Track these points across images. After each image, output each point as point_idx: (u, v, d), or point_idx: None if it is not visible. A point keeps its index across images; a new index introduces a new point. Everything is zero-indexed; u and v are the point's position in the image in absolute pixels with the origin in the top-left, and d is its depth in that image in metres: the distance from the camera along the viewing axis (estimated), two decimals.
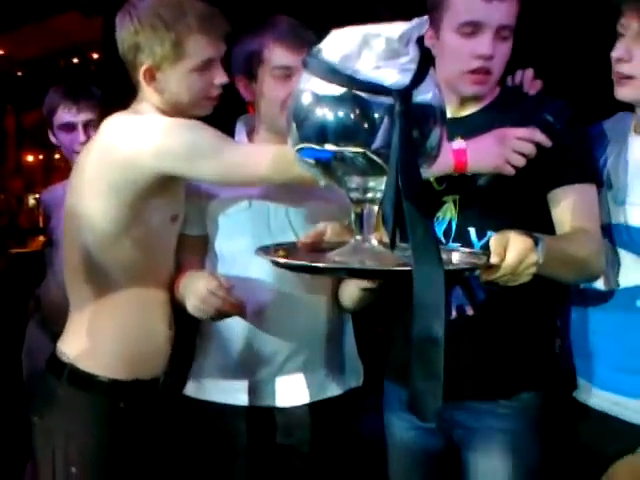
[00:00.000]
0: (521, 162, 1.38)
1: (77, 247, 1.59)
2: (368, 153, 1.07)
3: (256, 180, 1.54)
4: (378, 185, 1.15)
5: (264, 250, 1.21)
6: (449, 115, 1.53)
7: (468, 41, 1.46)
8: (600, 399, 1.52)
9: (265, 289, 1.63)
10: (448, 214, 1.54)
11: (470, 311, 1.53)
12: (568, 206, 1.44)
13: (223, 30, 1.57)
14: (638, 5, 1.42)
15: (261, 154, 1.52)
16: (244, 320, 1.60)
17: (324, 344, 1.72)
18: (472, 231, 1.51)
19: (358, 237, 1.20)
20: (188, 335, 1.79)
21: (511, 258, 1.14)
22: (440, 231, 1.54)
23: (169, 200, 1.58)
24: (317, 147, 1.12)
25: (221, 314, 1.56)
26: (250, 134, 1.76)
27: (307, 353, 1.70)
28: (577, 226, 1.42)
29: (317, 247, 1.35)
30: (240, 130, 1.77)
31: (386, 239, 1.11)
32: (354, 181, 1.15)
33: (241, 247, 1.64)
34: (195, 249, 1.74)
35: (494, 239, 1.15)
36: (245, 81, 1.70)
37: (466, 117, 1.55)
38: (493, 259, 1.13)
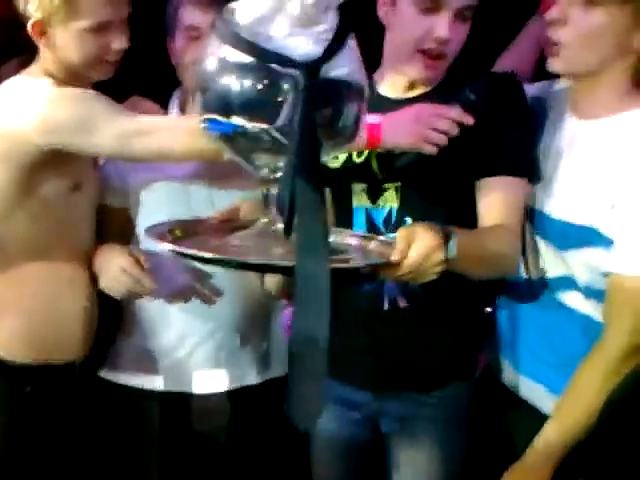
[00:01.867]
0: (441, 140, 1.30)
1: None
2: (271, 130, 0.98)
3: (160, 154, 1.44)
4: None
5: (157, 228, 1.12)
6: (393, 95, 1.49)
7: (425, 18, 1.35)
8: (525, 387, 1.49)
9: (180, 269, 1.54)
10: (389, 202, 1.47)
11: (403, 303, 1.47)
12: (491, 199, 1.37)
13: None
14: None
15: (163, 125, 1.42)
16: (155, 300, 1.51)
17: (245, 329, 1.66)
18: (409, 221, 1.44)
19: (264, 219, 1.12)
20: (114, 313, 1.70)
21: (413, 257, 1.08)
22: (380, 219, 1.48)
23: (66, 169, 1.49)
24: (220, 119, 1.03)
25: (132, 294, 1.49)
26: (183, 105, 1.67)
27: (224, 337, 1.63)
28: (497, 221, 1.36)
29: (232, 224, 1.28)
30: (173, 101, 1.68)
31: None
32: (261, 159, 1.08)
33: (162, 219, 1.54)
34: (116, 222, 1.65)
35: (400, 234, 1.09)
36: (170, 42, 1.61)
37: (409, 99, 1.46)
38: (394, 256, 1.06)
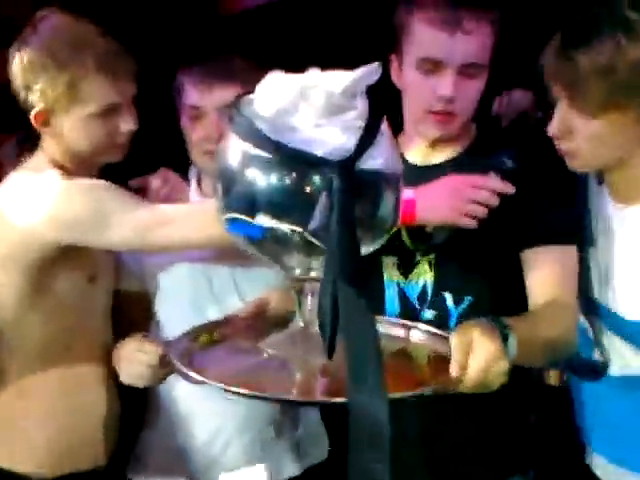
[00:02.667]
0: (480, 212, 1.21)
1: None
2: (305, 234, 0.89)
3: (179, 245, 1.38)
4: (322, 264, 0.97)
5: (180, 342, 1.03)
6: (418, 162, 1.41)
7: (428, 79, 1.30)
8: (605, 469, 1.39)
9: None
10: (422, 277, 1.37)
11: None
12: (541, 271, 1.28)
13: (128, 70, 1.40)
14: (564, 73, 1.21)
15: (180, 215, 1.34)
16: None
17: (279, 419, 1.56)
18: (448, 297, 1.34)
19: (299, 321, 1.02)
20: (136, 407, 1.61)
21: (475, 370, 0.97)
22: (414, 295, 1.38)
23: (81, 261, 1.42)
24: (246, 219, 0.94)
25: (153, 375, 1.38)
26: (199, 181, 1.60)
27: (258, 430, 1.53)
28: (549, 297, 1.26)
29: (260, 319, 1.19)
30: (192, 177, 1.61)
31: None
32: (293, 259, 0.98)
33: (178, 312, 1.47)
34: (134, 308, 1.57)
35: (455, 342, 0.98)
36: (182, 119, 1.55)
37: (438, 165, 1.38)
38: (453, 369, 0.96)
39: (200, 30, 2.22)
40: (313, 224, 0.89)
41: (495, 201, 1.21)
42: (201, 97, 1.48)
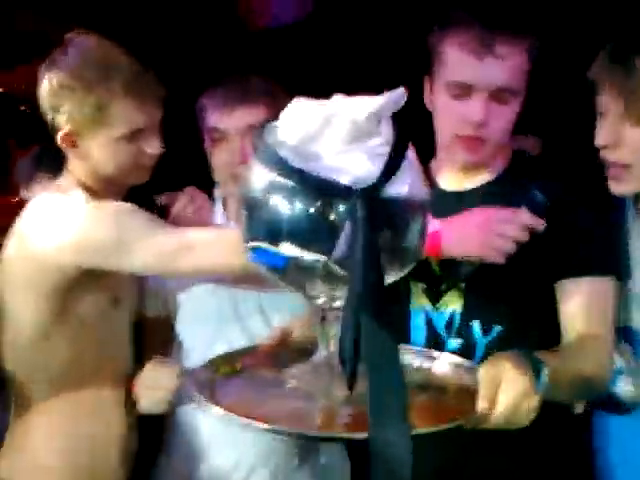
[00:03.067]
0: (509, 248, 1.17)
1: (8, 345, 1.43)
2: (329, 263, 0.87)
3: (202, 272, 1.38)
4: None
5: (202, 372, 1.01)
6: (450, 188, 1.39)
7: (458, 103, 1.28)
8: None
9: None
10: (451, 305, 1.34)
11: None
12: (575, 304, 1.25)
13: (156, 94, 1.41)
14: (619, 80, 1.19)
15: (205, 241, 1.32)
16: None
17: (301, 446, 1.53)
18: (476, 325, 1.31)
19: (322, 352, 1.00)
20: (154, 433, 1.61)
21: (503, 407, 0.94)
22: (442, 324, 1.35)
23: (104, 284, 1.41)
24: (270, 248, 0.93)
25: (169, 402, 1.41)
26: (225, 202, 1.59)
27: (281, 458, 1.50)
28: (583, 330, 1.22)
29: (283, 349, 1.17)
30: (218, 198, 1.60)
31: None
32: (316, 288, 0.96)
33: (203, 335, 1.46)
34: (155, 331, 1.56)
35: (483, 376, 0.95)
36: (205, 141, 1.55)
37: (471, 191, 1.37)
38: (481, 404, 0.92)
39: (227, 47, 2.23)
40: (337, 253, 0.87)
41: (525, 237, 1.17)
42: (222, 120, 1.49)
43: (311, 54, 2.34)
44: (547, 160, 1.38)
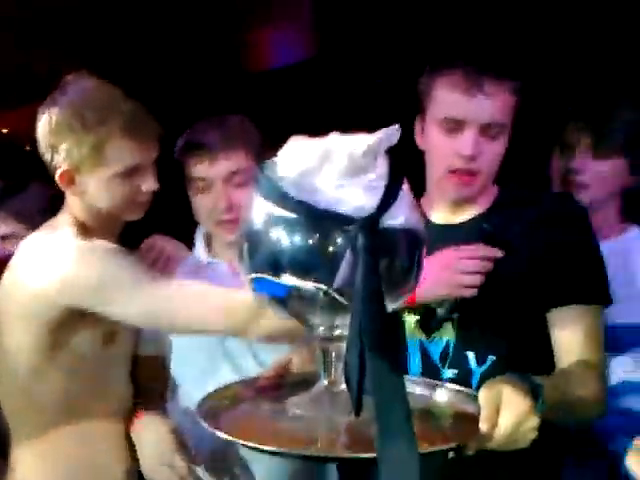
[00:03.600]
0: (476, 282, 1.26)
1: (6, 379, 1.44)
2: (330, 291, 0.91)
3: (190, 331, 1.37)
4: (346, 322, 0.99)
5: (206, 403, 1.03)
6: (442, 222, 1.44)
7: (450, 138, 1.35)
8: None
9: None
10: (446, 335, 1.38)
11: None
12: (568, 331, 1.30)
13: (152, 134, 1.45)
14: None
15: (194, 300, 1.32)
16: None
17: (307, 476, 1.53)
18: (471, 355, 1.35)
19: (324, 381, 1.03)
20: None
21: (505, 427, 0.97)
22: (436, 354, 1.39)
23: (98, 322, 1.41)
24: (271, 279, 0.96)
25: None
26: (209, 239, 1.62)
27: None
28: (577, 356, 1.27)
29: (283, 381, 1.19)
30: (198, 235, 1.63)
31: None
32: (317, 318, 1.00)
33: (194, 373, 1.47)
34: (150, 370, 1.58)
35: (483, 396, 0.99)
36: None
37: (461, 225, 1.42)
38: (483, 426, 0.95)
39: (227, 87, 2.28)
40: (338, 281, 0.91)
41: (489, 267, 1.26)
42: (205, 169, 1.52)
43: (308, 95, 2.40)
44: (534, 193, 1.43)
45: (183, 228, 1.73)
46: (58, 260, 1.36)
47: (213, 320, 1.29)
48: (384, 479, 0.79)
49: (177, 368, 1.57)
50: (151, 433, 1.44)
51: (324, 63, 2.65)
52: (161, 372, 1.59)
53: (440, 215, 1.44)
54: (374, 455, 0.82)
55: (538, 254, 1.29)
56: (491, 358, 1.33)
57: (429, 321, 1.39)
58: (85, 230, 1.43)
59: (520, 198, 1.41)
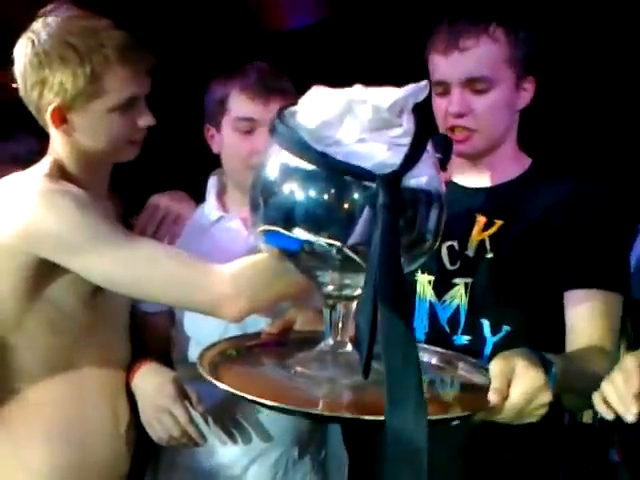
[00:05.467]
0: None
1: None
2: (344, 249, 0.87)
3: (162, 302, 1.31)
4: (356, 282, 0.98)
5: (208, 355, 1.01)
6: (466, 184, 1.39)
7: (441, 100, 1.34)
8: None
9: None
10: (457, 299, 1.35)
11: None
12: (585, 313, 1.26)
13: (147, 63, 1.34)
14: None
15: (170, 268, 1.21)
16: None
17: (303, 440, 1.53)
18: (486, 324, 1.32)
19: (329, 340, 1.00)
20: None
21: (516, 399, 0.95)
22: (444, 317, 1.35)
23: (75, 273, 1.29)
24: (283, 232, 0.93)
25: (173, 442, 1.39)
26: (221, 193, 1.56)
27: (283, 450, 1.51)
28: (592, 340, 1.24)
29: (285, 338, 1.17)
30: (210, 188, 1.58)
31: None
32: (327, 275, 0.98)
33: (204, 326, 1.42)
34: (155, 329, 1.53)
35: (495, 368, 0.97)
36: (212, 131, 1.54)
37: (484, 189, 1.38)
38: (492, 397, 0.93)
39: (242, 48, 2.22)
40: (353, 239, 0.88)
41: None
42: (257, 109, 1.45)
43: (324, 57, 2.34)
44: (567, 169, 1.38)
45: (186, 181, 1.68)
46: (21, 204, 1.25)
47: (182, 292, 1.21)
48: (390, 444, 0.77)
49: (187, 325, 1.51)
50: (150, 383, 1.40)
51: (337, 25, 2.58)
52: (165, 331, 1.54)
53: (462, 178, 1.40)
54: (376, 418, 0.81)
55: (561, 233, 1.26)
56: (506, 329, 1.30)
57: (443, 283, 1.36)
58: (63, 175, 1.33)
59: (549, 174, 1.36)
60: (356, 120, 0.92)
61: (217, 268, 1.21)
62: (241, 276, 1.20)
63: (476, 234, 1.33)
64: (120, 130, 1.32)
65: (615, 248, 1.31)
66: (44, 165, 1.34)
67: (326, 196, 0.89)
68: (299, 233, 0.92)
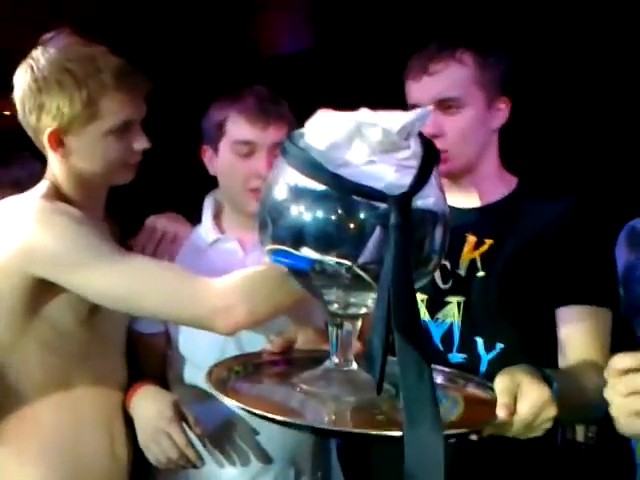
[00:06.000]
0: None
1: None
2: (354, 267, 0.89)
3: (157, 316, 1.33)
4: (362, 300, 1.01)
5: (215, 372, 1.02)
6: (459, 205, 1.40)
7: None
8: None
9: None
10: (450, 317, 1.38)
11: (473, 436, 1.33)
12: (577, 330, 1.29)
13: (143, 88, 1.38)
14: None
15: (163, 282, 1.26)
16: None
17: (299, 460, 1.53)
18: (480, 342, 1.35)
19: (334, 358, 1.02)
20: None
21: (524, 414, 0.98)
22: (438, 336, 1.38)
23: (71, 292, 1.31)
24: (292, 251, 0.94)
25: (171, 464, 1.39)
26: (217, 214, 1.57)
27: (279, 471, 1.51)
28: (583, 354, 1.27)
29: (288, 356, 1.18)
30: (206, 210, 1.59)
31: None
32: (333, 294, 0.99)
33: (201, 346, 1.43)
34: (152, 350, 1.54)
35: (500, 385, 1.00)
36: (210, 152, 1.56)
37: (470, 210, 1.41)
38: (500, 412, 0.95)
39: (239, 71, 2.24)
40: (364, 258, 0.90)
41: None
42: (255, 133, 1.47)
43: (319, 80, 2.38)
44: (553, 186, 1.41)
45: (180, 203, 1.69)
46: (17, 224, 1.28)
47: (176, 306, 1.24)
48: (409, 459, 0.79)
49: (182, 345, 1.51)
50: (148, 405, 1.41)
51: (325, 52, 2.62)
52: (161, 352, 1.54)
53: (449, 198, 1.42)
54: (386, 433, 0.82)
55: (551, 250, 1.30)
56: (500, 346, 1.33)
57: (436, 301, 1.38)
58: (60, 196, 1.36)
59: (537, 192, 1.40)
60: (365, 142, 0.94)
61: (210, 281, 1.25)
62: (234, 289, 1.24)
63: (467, 253, 1.37)
64: (116, 153, 1.36)
65: (603, 263, 1.35)
66: (41, 187, 1.37)
67: (336, 216, 0.92)
68: (308, 252, 0.94)
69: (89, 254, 1.25)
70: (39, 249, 1.26)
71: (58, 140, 1.34)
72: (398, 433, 0.82)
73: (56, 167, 1.38)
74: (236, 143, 1.48)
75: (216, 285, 1.24)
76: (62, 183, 1.38)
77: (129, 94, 1.34)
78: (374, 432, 0.87)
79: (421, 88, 1.35)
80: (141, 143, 1.38)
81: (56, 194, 1.36)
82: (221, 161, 1.52)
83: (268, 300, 1.24)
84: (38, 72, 1.32)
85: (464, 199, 1.42)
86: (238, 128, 1.48)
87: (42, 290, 1.30)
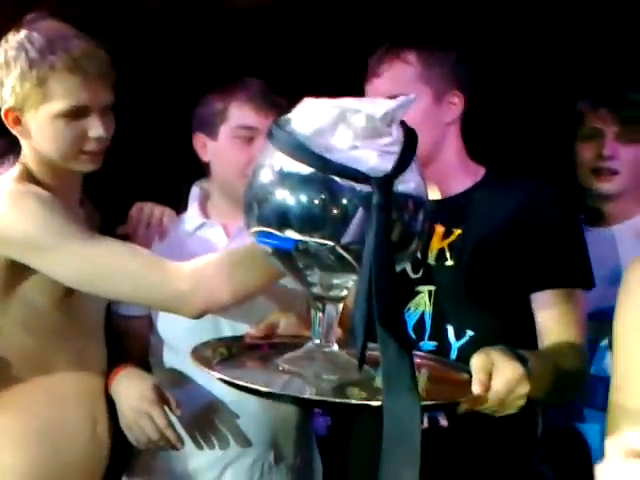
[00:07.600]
0: None
1: None
2: (337, 248, 0.92)
3: (126, 298, 1.35)
4: (344, 282, 1.04)
5: (200, 350, 1.04)
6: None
7: None
8: None
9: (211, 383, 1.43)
10: (421, 306, 1.41)
11: (444, 422, 1.36)
12: (552, 313, 1.34)
13: (103, 74, 1.37)
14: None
15: (132, 265, 1.27)
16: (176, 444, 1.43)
17: (279, 445, 1.55)
18: (450, 329, 1.38)
19: (316, 340, 1.04)
20: None
21: (498, 390, 1.02)
22: (411, 324, 1.41)
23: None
24: (277, 233, 0.97)
25: (151, 445, 1.42)
26: (203, 201, 1.60)
27: (258, 455, 1.53)
28: (560, 335, 1.32)
29: (269, 341, 1.20)
30: (193, 197, 1.61)
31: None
32: (316, 276, 1.02)
33: (183, 330, 1.44)
34: (134, 333, 1.56)
35: (476, 363, 1.04)
36: (204, 139, 1.58)
37: (442, 200, 1.44)
38: (475, 388, 0.99)
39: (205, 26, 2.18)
40: (347, 238, 0.93)
41: None
42: (259, 119, 1.51)
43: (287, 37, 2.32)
44: (517, 177, 1.45)
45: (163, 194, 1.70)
46: None
47: (143, 290, 1.26)
48: (388, 428, 0.82)
49: (164, 327, 1.53)
50: (130, 387, 1.43)
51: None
52: (144, 335, 1.56)
53: None
54: (364, 402, 0.87)
55: (520, 237, 1.34)
56: (469, 333, 1.37)
57: (408, 291, 1.40)
58: (31, 179, 1.37)
59: (504, 180, 1.44)
60: (349, 128, 0.98)
61: (176, 265, 1.28)
62: (199, 273, 1.27)
63: (435, 243, 1.40)
64: (67, 138, 1.35)
65: (572, 243, 1.38)
66: (14, 170, 1.39)
67: (320, 198, 0.94)
68: (291, 234, 0.97)
69: (57, 236, 1.27)
70: (9, 231, 1.28)
71: (15, 118, 1.36)
72: (377, 403, 0.86)
73: (25, 148, 1.39)
74: (239, 127, 1.52)
75: (180, 268, 1.27)
76: (31, 165, 1.39)
77: (82, 78, 1.33)
78: (354, 401, 0.90)
79: (373, 89, 1.42)
80: (96, 131, 1.35)
81: (28, 177, 1.38)
82: (221, 146, 1.55)
83: (230, 285, 1.25)
84: (2, 51, 1.35)
85: (429, 192, 1.44)
86: (243, 113, 1.52)
87: (16, 271, 1.32)
